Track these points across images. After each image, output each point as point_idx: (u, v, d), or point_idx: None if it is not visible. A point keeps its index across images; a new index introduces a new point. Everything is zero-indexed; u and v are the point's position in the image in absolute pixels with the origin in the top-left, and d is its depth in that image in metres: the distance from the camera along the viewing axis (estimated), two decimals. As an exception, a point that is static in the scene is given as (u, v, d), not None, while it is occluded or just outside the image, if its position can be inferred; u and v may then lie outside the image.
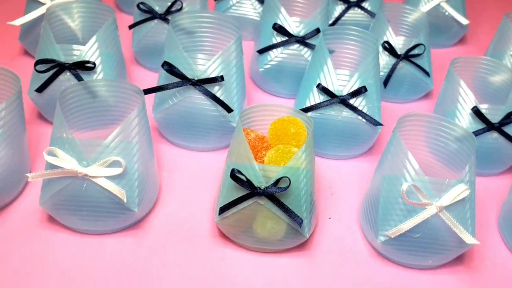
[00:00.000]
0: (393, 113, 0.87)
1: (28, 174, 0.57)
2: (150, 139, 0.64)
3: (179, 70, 0.68)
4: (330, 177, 0.75)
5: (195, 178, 0.71)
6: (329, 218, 0.68)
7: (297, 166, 0.59)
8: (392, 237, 0.60)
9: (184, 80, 0.68)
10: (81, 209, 0.59)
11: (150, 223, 0.64)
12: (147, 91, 0.66)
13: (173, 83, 0.68)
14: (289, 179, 0.57)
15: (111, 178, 0.58)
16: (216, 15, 0.74)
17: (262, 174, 0.57)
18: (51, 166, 0.58)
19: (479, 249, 0.66)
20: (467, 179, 0.60)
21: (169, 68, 0.68)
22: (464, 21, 1.02)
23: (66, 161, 0.57)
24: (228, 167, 0.61)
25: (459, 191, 0.58)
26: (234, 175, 0.57)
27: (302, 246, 0.64)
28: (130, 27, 0.85)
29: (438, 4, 1.01)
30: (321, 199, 0.71)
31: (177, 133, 0.73)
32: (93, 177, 0.57)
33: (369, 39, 0.76)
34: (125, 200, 0.57)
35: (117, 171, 0.57)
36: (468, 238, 0.59)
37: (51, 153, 0.57)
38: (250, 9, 0.98)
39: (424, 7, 1.01)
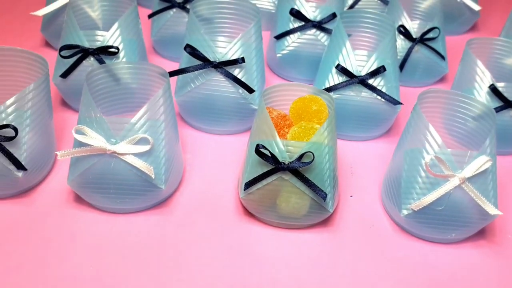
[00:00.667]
0: (409, 96, 0.88)
1: (57, 152, 0.58)
2: (175, 119, 0.65)
3: (201, 53, 0.70)
4: (350, 158, 0.75)
5: (217, 160, 0.72)
6: (351, 196, 0.69)
7: (320, 141, 0.60)
8: (416, 210, 0.61)
9: (206, 63, 0.70)
10: (108, 187, 0.60)
11: (176, 201, 0.66)
12: (171, 73, 0.68)
13: (196, 65, 0.70)
14: (313, 154, 0.58)
15: (138, 155, 0.59)
16: (235, 1, 0.76)
17: (285, 149, 0.58)
18: (80, 145, 0.59)
19: (501, 223, 0.67)
20: (488, 152, 0.60)
21: (192, 50, 0.69)
22: (476, 7, 1.03)
23: (95, 139, 0.58)
24: (252, 145, 0.62)
25: (481, 162, 0.59)
26: (259, 150, 0.58)
27: (325, 222, 0.65)
28: (150, 16, 0.87)
29: (450, -10, 1.03)
30: (342, 178, 0.72)
31: (199, 116, 0.75)
32: (121, 154, 0.58)
33: (386, 22, 0.77)
34: (153, 176, 0.59)
35: (144, 148, 0.58)
36: (491, 209, 0.60)
37: (79, 132, 0.59)
38: (264, 0, 0.99)
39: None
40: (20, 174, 0.61)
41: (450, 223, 0.61)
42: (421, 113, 0.62)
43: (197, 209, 0.65)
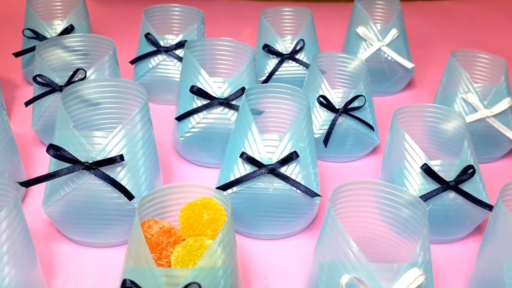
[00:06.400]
0: (337, 176, 0.77)
1: None
2: (29, 243, 0.51)
3: (69, 153, 0.57)
4: (265, 263, 0.62)
5: (98, 281, 0.58)
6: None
7: (212, 264, 0.47)
8: None
9: (76, 164, 0.57)
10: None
11: None
12: (26, 184, 0.54)
13: (63, 169, 0.56)
14: (199, 286, 0.44)
15: None
16: (117, 82, 0.64)
17: (165, 281, 0.45)
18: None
19: None
20: (421, 260, 0.49)
21: (55, 152, 0.56)
22: (409, 64, 0.95)
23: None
24: (123, 274, 0.48)
25: (412, 278, 0.47)
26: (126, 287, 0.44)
27: None
28: (27, 104, 0.74)
29: (379, 49, 0.94)
30: (254, 291, 0.58)
31: (75, 228, 0.60)
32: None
33: (298, 95, 0.67)
34: None
35: None
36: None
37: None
38: (174, 70, 0.88)
39: (364, 54, 0.93)
40: None
41: None
42: (335, 218, 0.50)
43: None
